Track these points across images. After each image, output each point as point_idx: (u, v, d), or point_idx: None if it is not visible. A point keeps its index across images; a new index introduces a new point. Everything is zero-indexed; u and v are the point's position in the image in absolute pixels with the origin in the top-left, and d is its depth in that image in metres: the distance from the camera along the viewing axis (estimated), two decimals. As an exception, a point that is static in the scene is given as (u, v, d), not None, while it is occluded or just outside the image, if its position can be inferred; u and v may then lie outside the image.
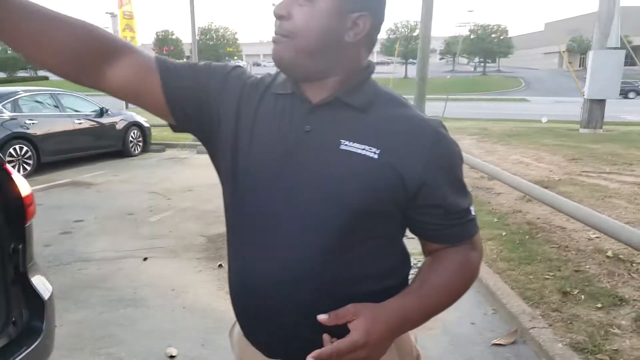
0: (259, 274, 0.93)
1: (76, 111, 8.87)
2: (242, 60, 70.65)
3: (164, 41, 62.41)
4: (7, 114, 7.46)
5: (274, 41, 0.91)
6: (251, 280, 0.95)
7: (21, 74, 64.02)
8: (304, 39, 0.87)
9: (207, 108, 0.96)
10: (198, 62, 1.01)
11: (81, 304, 3.33)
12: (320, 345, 0.87)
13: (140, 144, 10.28)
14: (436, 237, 0.98)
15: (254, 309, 0.97)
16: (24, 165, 7.50)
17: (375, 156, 0.88)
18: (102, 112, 9.25)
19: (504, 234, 4.63)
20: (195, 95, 0.95)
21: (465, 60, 71.83)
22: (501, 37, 59.97)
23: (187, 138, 11.70)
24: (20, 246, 1.88)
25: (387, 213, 0.93)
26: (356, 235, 0.91)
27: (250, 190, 0.94)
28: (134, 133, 10.03)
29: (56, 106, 8.54)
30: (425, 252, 1.03)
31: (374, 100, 0.94)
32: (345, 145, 0.89)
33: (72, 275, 3.82)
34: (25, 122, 7.60)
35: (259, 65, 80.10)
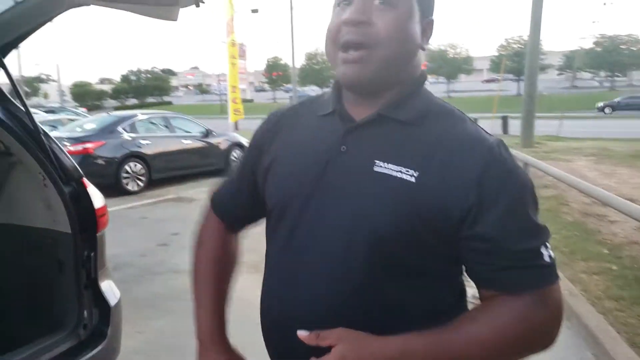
0: (282, 308, 0.89)
1: (185, 132, 9.60)
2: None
3: (274, 67, 65.92)
4: (126, 135, 8.31)
5: (349, 60, 0.80)
6: (273, 314, 0.91)
7: (150, 99, 71.40)
8: (388, 47, 0.79)
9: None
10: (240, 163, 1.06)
11: (165, 312, 3.52)
12: None
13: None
14: (486, 280, 0.80)
15: (276, 344, 0.93)
16: (138, 181, 8.25)
17: (412, 179, 0.78)
18: (207, 133, 9.92)
19: (614, 267, 4.10)
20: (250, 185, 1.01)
21: (589, 75, 66.38)
22: (632, 48, 54.51)
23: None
24: (92, 254, 2.04)
25: (426, 245, 0.80)
26: (389, 269, 0.81)
27: (281, 216, 0.90)
28: (235, 152, 10.59)
29: (167, 127, 9.34)
30: (482, 299, 0.84)
31: (425, 114, 0.85)
32: (380, 166, 0.80)
33: (161, 285, 4.06)
34: (140, 142, 8.40)
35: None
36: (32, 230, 2.12)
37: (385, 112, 0.83)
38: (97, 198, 2.10)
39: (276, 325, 0.91)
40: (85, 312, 2.01)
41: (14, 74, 1.96)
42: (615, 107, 34.41)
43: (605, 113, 34.11)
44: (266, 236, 0.98)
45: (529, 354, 0.80)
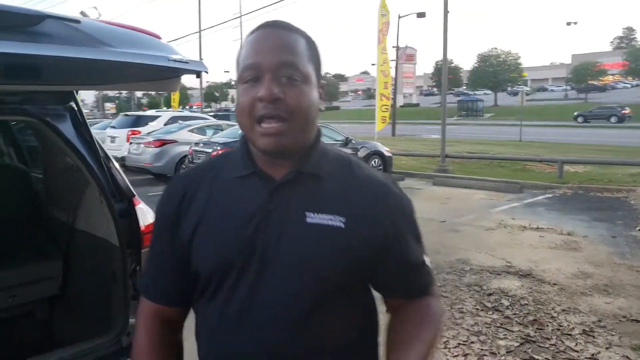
0: (243, 350, 0.92)
1: (325, 141, 9.94)
2: (526, 86, 66.24)
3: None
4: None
5: (269, 133, 0.88)
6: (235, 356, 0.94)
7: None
8: (300, 117, 0.89)
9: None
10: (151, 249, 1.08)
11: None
12: None
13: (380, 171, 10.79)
14: (403, 290, 1.01)
15: None
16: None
17: (342, 225, 0.91)
18: (346, 142, 10.14)
19: None
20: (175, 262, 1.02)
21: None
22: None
23: (429, 168, 11.77)
24: (138, 267, 2.22)
25: (360, 277, 0.97)
26: (330, 305, 0.93)
27: (220, 285, 0.94)
28: (374, 161, 10.64)
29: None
30: (390, 308, 1.04)
31: (326, 163, 0.97)
32: (311, 217, 0.91)
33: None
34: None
35: (544, 90, 74.27)
36: (98, 240, 2.40)
37: (305, 169, 0.94)
38: (147, 216, 2.29)
39: None
40: (130, 321, 2.20)
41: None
42: (586, 117, 38.92)
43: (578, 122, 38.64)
44: (198, 301, 1.01)
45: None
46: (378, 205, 0.95)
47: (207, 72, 1.77)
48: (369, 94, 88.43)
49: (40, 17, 1.48)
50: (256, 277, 0.91)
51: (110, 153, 9.07)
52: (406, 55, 62.98)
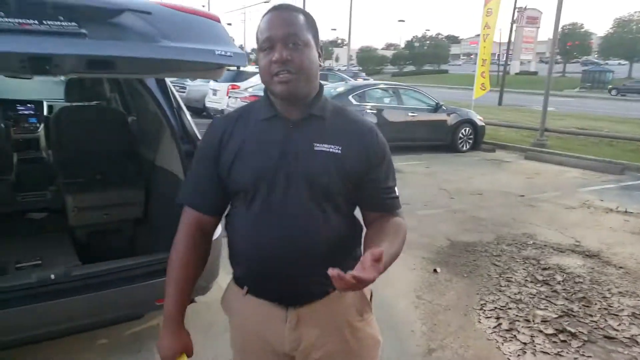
0: (276, 240, 1.31)
1: (413, 105, 10.00)
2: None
3: (570, 36, 58.77)
4: (354, 103, 9.22)
5: (283, 81, 1.25)
6: (272, 246, 1.31)
7: (427, 67, 73.34)
8: (304, 72, 1.27)
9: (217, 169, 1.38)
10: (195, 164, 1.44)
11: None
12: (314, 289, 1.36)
13: (470, 141, 10.67)
14: (378, 206, 1.40)
15: (273, 266, 1.34)
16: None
17: (339, 152, 1.31)
18: (436, 108, 10.11)
19: None
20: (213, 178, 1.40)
21: None
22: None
23: (526, 142, 11.35)
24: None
25: (349, 191, 1.35)
26: (331, 206, 1.33)
27: (257, 193, 1.32)
28: (465, 130, 10.49)
29: (396, 99, 9.90)
30: (367, 222, 1.43)
31: (328, 109, 1.37)
32: (318, 146, 1.31)
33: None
34: (365, 112, 9.20)
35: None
36: (170, 174, 2.95)
37: (314, 112, 1.33)
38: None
39: (269, 260, 1.32)
40: None
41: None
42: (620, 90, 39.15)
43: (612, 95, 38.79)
44: (235, 209, 1.39)
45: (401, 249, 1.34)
46: (365, 139, 1.36)
47: (245, 66, 2.25)
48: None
49: (119, 11, 1.92)
50: (282, 189, 1.30)
51: (211, 105, 10.30)
52: (527, 18, 58.52)
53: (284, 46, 1.25)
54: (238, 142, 1.35)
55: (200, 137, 2.81)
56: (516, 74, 59.66)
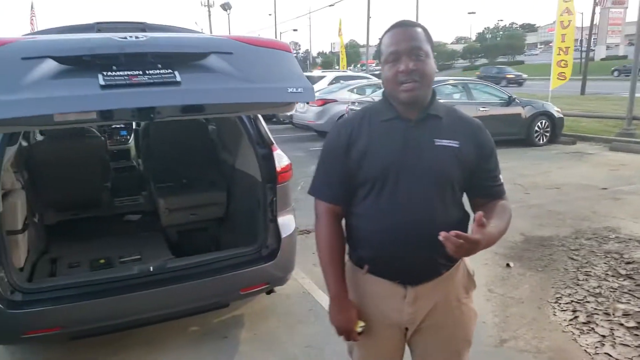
0: (405, 225, 1.52)
1: (484, 100, 9.88)
2: None
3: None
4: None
5: (408, 89, 1.49)
6: (401, 230, 1.52)
7: (500, 58, 70.80)
8: (425, 80, 1.50)
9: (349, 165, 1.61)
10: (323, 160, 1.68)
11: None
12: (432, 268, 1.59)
13: (547, 134, 10.37)
14: (489, 192, 1.63)
15: (399, 249, 1.54)
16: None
17: (457, 145, 1.54)
18: (509, 102, 9.92)
19: None
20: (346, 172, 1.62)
21: None
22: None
23: (611, 132, 10.86)
24: (274, 199, 3.02)
25: (464, 179, 1.57)
26: (451, 195, 1.55)
27: (385, 183, 1.54)
28: (541, 123, 10.21)
29: (465, 94, 9.83)
30: (475, 206, 1.64)
31: (442, 109, 1.60)
32: (438, 141, 1.54)
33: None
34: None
35: None
36: (249, 176, 3.27)
37: (431, 112, 1.56)
38: (282, 160, 3.06)
39: (396, 243, 1.53)
40: (268, 238, 3.03)
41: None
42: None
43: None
44: (361, 200, 1.59)
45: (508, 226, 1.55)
46: (477, 134, 1.58)
47: (313, 100, 2.70)
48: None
49: (205, 54, 2.30)
50: (407, 179, 1.51)
51: None
52: (612, -2, 54.92)
53: (409, 58, 1.47)
54: (365, 140, 1.57)
55: (273, 142, 3.11)
56: (602, 59, 56.30)
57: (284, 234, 3.02)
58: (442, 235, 1.29)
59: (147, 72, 2.18)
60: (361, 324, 1.62)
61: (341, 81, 13.75)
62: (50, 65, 2.08)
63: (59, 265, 3.10)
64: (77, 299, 2.46)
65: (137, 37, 2.25)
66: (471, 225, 1.40)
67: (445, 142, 1.52)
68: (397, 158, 1.52)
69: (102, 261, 3.11)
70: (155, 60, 2.22)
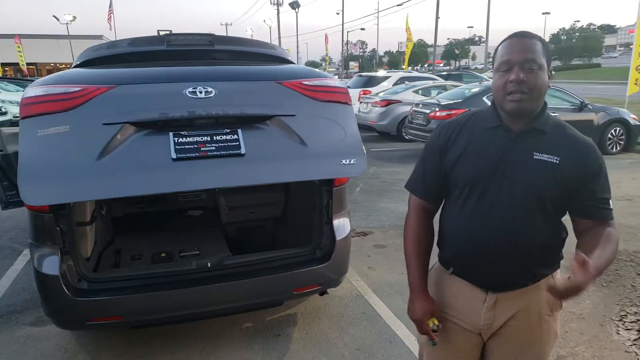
0: (487, 232, 1.52)
1: (554, 105, 9.37)
2: None
3: None
4: (488, 104, 8.93)
5: (515, 100, 1.45)
6: (483, 237, 1.53)
7: (575, 61, 67.21)
8: (534, 93, 1.45)
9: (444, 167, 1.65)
10: (424, 159, 1.70)
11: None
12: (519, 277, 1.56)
13: (621, 142, 9.75)
14: (593, 214, 1.52)
15: (481, 255, 1.55)
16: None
17: (557, 162, 1.48)
18: (581, 107, 9.40)
19: None
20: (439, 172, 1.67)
21: None
22: None
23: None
24: (330, 201, 3.04)
25: (561, 196, 1.50)
26: (543, 214, 1.50)
27: (474, 189, 1.55)
28: (615, 130, 9.61)
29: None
30: (579, 230, 1.56)
31: (549, 124, 1.54)
32: (537, 155, 1.50)
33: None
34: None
35: None
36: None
37: (536, 125, 1.51)
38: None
39: (479, 249, 1.54)
40: (322, 240, 3.05)
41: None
42: None
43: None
44: (451, 203, 1.63)
45: (614, 256, 1.44)
46: (582, 153, 1.49)
47: (361, 174, 2.72)
48: (645, 48, 74.34)
49: (270, 116, 2.55)
50: (498, 189, 1.50)
51: None
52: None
53: (520, 69, 1.44)
54: (463, 145, 1.58)
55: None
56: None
57: (338, 237, 3.02)
58: (549, 285, 1.29)
59: (214, 137, 2.47)
60: (435, 321, 1.63)
61: (406, 82, 13.57)
62: (127, 133, 2.38)
63: (123, 256, 3.26)
64: (137, 290, 2.58)
65: (207, 92, 2.53)
66: (570, 259, 1.31)
67: (545, 157, 1.48)
68: (490, 167, 1.51)
69: (162, 255, 3.24)
70: (221, 122, 2.50)
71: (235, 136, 2.51)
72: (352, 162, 2.61)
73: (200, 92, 2.55)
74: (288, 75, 2.91)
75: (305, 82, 2.83)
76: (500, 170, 1.50)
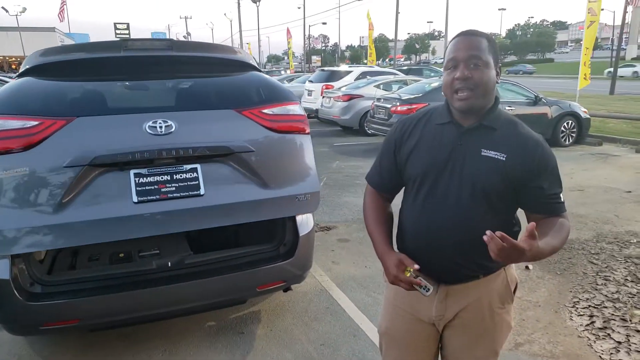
0: (435, 226, 1.56)
1: (510, 99, 9.63)
2: None
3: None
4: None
5: (462, 98, 1.49)
6: (431, 230, 1.58)
7: (530, 56, 69.18)
8: (481, 89, 1.48)
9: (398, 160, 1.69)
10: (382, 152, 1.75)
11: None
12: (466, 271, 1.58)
13: (573, 135, 10.10)
14: (544, 209, 1.54)
15: (431, 248, 1.59)
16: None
17: (503, 159, 1.49)
18: (536, 101, 9.67)
19: None
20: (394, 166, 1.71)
21: None
22: None
23: (638, 133, 10.53)
24: (293, 197, 3.02)
25: (507, 193, 1.52)
26: (489, 209, 1.52)
27: (424, 183, 1.59)
28: (567, 123, 9.94)
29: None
30: (531, 221, 1.52)
31: (502, 122, 1.55)
32: (485, 152, 1.51)
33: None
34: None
35: None
36: None
37: (484, 122, 1.53)
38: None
39: (428, 242, 1.57)
40: (285, 237, 3.03)
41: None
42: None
43: None
44: (406, 196, 1.69)
45: (563, 245, 1.48)
46: (528, 150, 1.49)
47: (313, 211, 3.02)
48: (595, 44, 77.29)
49: (228, 154, 2.66)
50: (446, 184, 1.54)
51: (306, 105, 11.00)
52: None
53: (466, 66, 1.47)
54: (415, 140, 1.62)
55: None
56: (632, 59, 54.53)
57: (302, 232, 3.01)
58: (487, 234, 1.28)
59: (174, 176, 2.52)
60: (410, 269, 1.60)
61: (368, 77, 13.64)
62: (87, 176, 2.37)
63: (79, 258, 3.16)
64: (95, 292, 2.50)
65: (167, 126, 2.52)
66: (522, 235, 1.35)
67: (492, 154, 1.50)
68: (440, 162, 1.54)
69: (121, 255, 3.15)
70: (181, 159, 2.52)
71: (195, 174, 2.55)
72: (307, 198, 2.75)
73: (161, 127, 2.50)
74: (248, 100, 2.85)
75: (265, 111, 2.79)
76: (450, 165, 1.53)
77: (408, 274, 1.59)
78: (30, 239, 2.28)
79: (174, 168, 2.52)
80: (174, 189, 2.50)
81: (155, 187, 2.48)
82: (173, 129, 2.53)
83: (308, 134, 2.94)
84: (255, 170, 2.67)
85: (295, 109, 2.94)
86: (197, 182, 2.54)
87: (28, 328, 2.54)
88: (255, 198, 2.68)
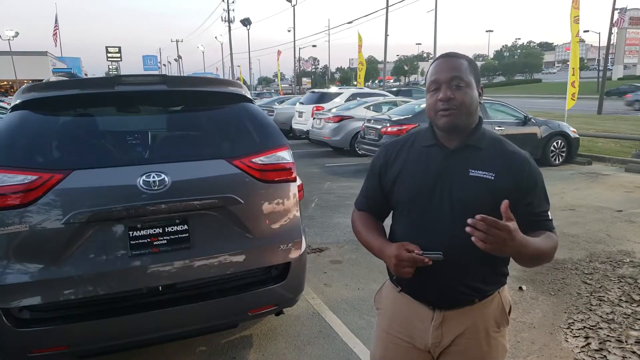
0: (428, 250, 1.51)
1: (500, 119, 9.74)
2: None
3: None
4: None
5: (445, 115, 1.49)
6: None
7: (518, 77, 70.31)
8: (463, 109, 1.49)
9: (384, 184, 1.68)
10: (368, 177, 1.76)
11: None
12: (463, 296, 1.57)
13: (563, 154, 10.21)
14: (533, 227, 1.52)
15: (425, 272, 1.52)
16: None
17: (492, 178, 1.50)
18: (525, 121, 9.79)
19: None
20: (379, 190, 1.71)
21: None
22: None
23: (628, 153, 10.66)
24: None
25: (498, 211, 1.44)
26: None
27: (413, 208, 1.58)
28: (557, 143, 10.05)
29: (481, 113, 9.66)
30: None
31: (485, 140, 1.56)
32: (473, 172, 1.52)
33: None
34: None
35: None
36: None
37: (469, 142, 1.54)
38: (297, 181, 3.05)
39: (424, 266, 1.49)
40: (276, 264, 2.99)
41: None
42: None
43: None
44: (396, 218, 1.68)
45: (553, 256, 1.52)
46: (516, 168, 1.51)
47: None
48: (582, 65, 78.90)
49: (218, 207, 2.68)
50: (437, 207, 1.52)
51: (297, 126, 11.08)
52: (631, 19, 54.46)
53: (448, 87, 1.48)
54: (400, 164, 1.62)
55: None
56: (619, 79, 55.64)
57: (292, 258, 2.99)
58: (469, 222, 1.28)
59: (165, 229, 2.58)
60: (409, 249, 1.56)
61: (358, 98, 13.77)
62: (85, 232, 2.41)
63: None
64: (84, 317, 2.46)
65: (160, 181, 2.54)
66: (517, 268, 1.34)
67: (480, 173, 1.50)
68: (427, 185, 1.54)
69: None
70: (173, 213, 2.56)
71: (185, 226, 2.61)
72: (289, 246, 2.84)
73: (154, 183, 2.51)
74: (240, 147, 2.84)
75: (255, 160, 2.79)
76: (438, 188, 1.53)
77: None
78: (27, 293, 2.34)
79: (166, 222, 2.57)
80: (165, 242, 2.56)
81: (148, 240, 2.53)
82: (166, 184, 2.54)
83: (294, 181, 2.96)
84: (242, 221, 2.71)
85: (284, 155, 2.92)
86: (187, 235, 2.60)
87: (16, 355, 2.48)
88: (240, 249, 2.72)
